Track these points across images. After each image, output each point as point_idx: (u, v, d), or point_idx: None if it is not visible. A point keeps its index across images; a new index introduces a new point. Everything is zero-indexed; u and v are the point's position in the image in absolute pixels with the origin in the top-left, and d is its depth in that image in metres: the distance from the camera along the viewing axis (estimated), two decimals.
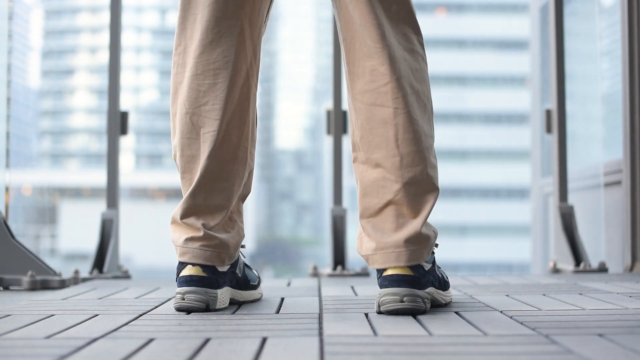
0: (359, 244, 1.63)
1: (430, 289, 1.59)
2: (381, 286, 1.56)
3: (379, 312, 1.54)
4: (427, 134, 1.60)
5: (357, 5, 1.59)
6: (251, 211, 44.80)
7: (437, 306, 1.64)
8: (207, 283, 1.61)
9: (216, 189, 1.65)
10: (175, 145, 1.67)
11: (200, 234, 1.62)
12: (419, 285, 1.54)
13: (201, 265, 1.62)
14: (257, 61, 1.69)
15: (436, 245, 1.64)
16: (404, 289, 1.52)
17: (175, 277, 1.65)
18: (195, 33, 1.64)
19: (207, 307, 1.61)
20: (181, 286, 1.62)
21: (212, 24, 1.63)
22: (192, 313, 1.59)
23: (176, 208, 1.67)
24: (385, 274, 1.56)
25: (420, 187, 1.57)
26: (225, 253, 1.64)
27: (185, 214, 1.64)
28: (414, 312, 1.51)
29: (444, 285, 1.67)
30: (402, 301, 1.51)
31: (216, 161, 1.63)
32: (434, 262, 1.64)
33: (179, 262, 1.64)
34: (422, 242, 1.56)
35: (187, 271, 1.62)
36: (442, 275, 1.68)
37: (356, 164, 1.64)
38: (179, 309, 1.61)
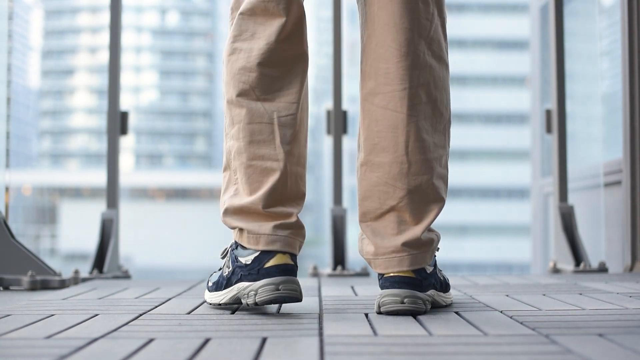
0: (360, 246, 1.63)
1: (432, 292, 1.59)
2: (382, 287, 1.56)
3: (379, 313, 1.54)
4: (437, 144, 1.59)
5: (387, 5, 1.57)
6: None
7: (438, 307, 1.64)
8: (296, 273, 1.55)
9: (299, 175, 1.60)
10: (237, 132, 1.58)
11: (291, 220, 1.55)
12: (421, 288, 1.54)
13: (291, 254, 1.54)
14: None
15: (437, 249, 1.64)
16: (405, 290, 1.52)
17: (255, 267, 1.53)
18: (273, 20, 1.58)
19: (299, 298, 1.54)
20: (273, 276, 1.51)
21: (293, 12, 1.58)
22: (189, 312, 1.59)
23: (252, 198, 1.56)
24: (387, 275, 1.56)
25: (425, 196, 1.57)
26: (303, 242, 1.59)
27: (271, 204, 1.55)
28: (414, 314, 1.51)
29: (445, 287, 1.67)
30: (402, 302, 1.51)
31: (296, 146, 1.59)
32: (435, 265, 1.65)
33: (263, 252, 1.53)
34: (422, 246, 1.56)
35: (279, 260, 1.52)
36: (443, 277, 1.68)
37: (357, 165, 1.64)
38: (273, 301, 1.50)
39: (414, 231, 1.56)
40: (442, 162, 1.60)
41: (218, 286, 1.64)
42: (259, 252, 1.54)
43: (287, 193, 1.57)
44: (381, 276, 1.57)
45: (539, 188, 5.17)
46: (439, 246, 1.63)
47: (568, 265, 2.89)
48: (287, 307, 1.67)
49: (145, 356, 1.11)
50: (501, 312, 1.56)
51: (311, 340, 1.23)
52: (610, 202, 3.32)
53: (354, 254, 2.60)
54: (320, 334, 1.29)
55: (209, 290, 1.68)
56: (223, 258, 1.65)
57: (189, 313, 1.59)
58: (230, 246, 1.62)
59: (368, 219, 1.61)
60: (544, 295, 1.88)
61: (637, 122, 2.95)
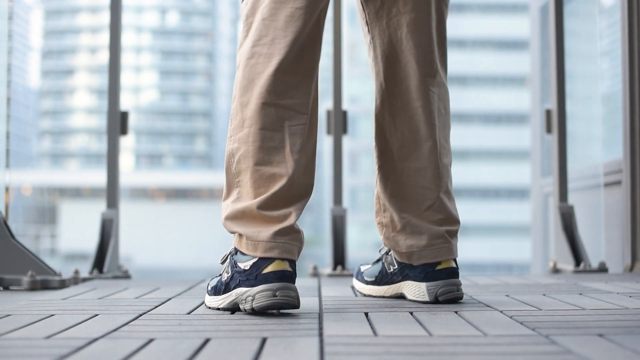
0: (393, 243, 1.79)
1: None
2: (435, 279, 1.73)
3: (434, 302, 1.71)
4: (449, 150, 1.83)
5: (413, 29, 1.75)
6: None
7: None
8: (294, 279, 1.57)
9: (302, 183, 1.61)
10: (246, 136, 1.59)
11: (286, 225, 1.56)
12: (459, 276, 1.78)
13: (289, 260, 1.56)
14: None
15: None
16: (458, 279, 1.75)
17: (254, 273, 1.54)
18: (293, 27, 1.60)
19: (297, 305, 1.55)
20: (270, 282, 1.52)
21: (312, 22, 1.62)
22: (189, 312, 1.59)
23: (254, 201, 1.57)
24: (439, 267, 1.74)
25: (448, 194, 1.80)
26: (302, 247, 1.61)
27: (271, 206, 1.57)
28: (459, 298, 1.74)
29: None
30: (458, 290, 1.73)
31: (304, 155, 1.61)
32: None
33: (262, 258, 1.54)
34: (455, 237, 1.79)
35: (277, 266, 1.53)
36: None
37: (385, 168, 1.79)
38: (270, 307, 1.52)
39: (452, 221, 1.78)
40: (450, 166, 1.84)
41: (216, 291, 1.65)
42: (257, 258, 1.55)
43: (289, 199, 1.59)
44: (432, 269, 1.74)
45: (539, 188, 5.17)
46: None
47: (568, 265, 2.89)
48: None
49: (145, 356, 1.11)
50: (501, 312, 1.56)
51: (311, 340, 1.23)
52: (610, 202, 3.32)
53: (353, 254, 2.60)
54: (320, 334, 1.29)
55: (208, 294, 1.69)
56: (222, 263, 1.66)
57: (189, 313, 1.59)
58: (230, 252, 1.63)
59: (410, 216, 1.77)
60: (544, 295, 1.88)
61: (637, 122, 2.95)
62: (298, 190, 1.60)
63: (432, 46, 1.77)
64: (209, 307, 1.67)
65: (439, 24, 1.79)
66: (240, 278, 1.57)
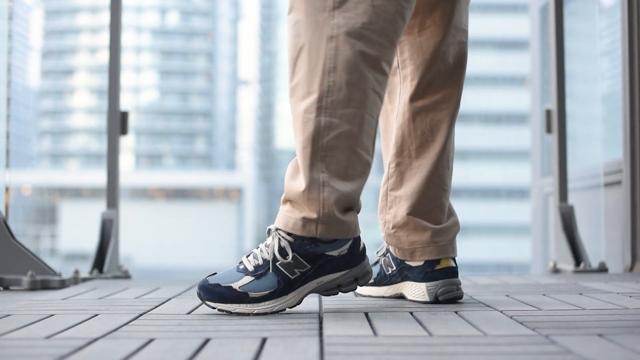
0: (395, 240, 1.80)
1: None
2: (434, 278, 1.74)
3: (434, 302, 1.73)
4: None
5: (453, 48, 1.80)
6: (251, 211, 44.87)
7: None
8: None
9: None
10: (352, 116, 1.57)
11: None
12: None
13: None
14: None
15: None
16: (456, 278, 1.76)
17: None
18: (399, 24, 1.61)
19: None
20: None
21: (418, 24, 1.79)
22: (189, 312, 1.60)
23: (352, 187, 1.60)
24: (438, 267, 1.76)
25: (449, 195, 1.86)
26: None
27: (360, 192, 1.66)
28: (460, 297, 1.76)
29: None
30: (458, 290, 1.75)
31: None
32: None
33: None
34: (455, 236, 1.83)
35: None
36: None
37: (402, 166, 1.80)
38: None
39: (457, 221, 1.82)
40: None
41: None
42: (351, 240, 1.62)
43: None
44: (431, 268, 1.75)
45: (539, 188, 5.17)
46: None
47: (568, 265, 2.89)
48: None
49: (145, 356, 1.11)
50: (501, 312, 1.56)
51: (311, 340, 1.23)
52: (610, 202, 3.32)
53: None
54: (320, 334, 1.29)
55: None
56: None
57: (189, 313, 1.59)
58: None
59: (420, 212, 1.78)
60: (544, 295, 1.88)
61: (637, 122, 2.95)
62: None
63: (464, 57, 1.82)
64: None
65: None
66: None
